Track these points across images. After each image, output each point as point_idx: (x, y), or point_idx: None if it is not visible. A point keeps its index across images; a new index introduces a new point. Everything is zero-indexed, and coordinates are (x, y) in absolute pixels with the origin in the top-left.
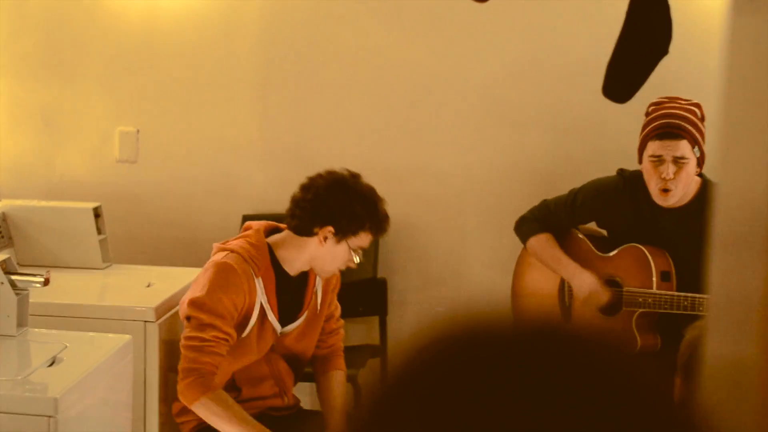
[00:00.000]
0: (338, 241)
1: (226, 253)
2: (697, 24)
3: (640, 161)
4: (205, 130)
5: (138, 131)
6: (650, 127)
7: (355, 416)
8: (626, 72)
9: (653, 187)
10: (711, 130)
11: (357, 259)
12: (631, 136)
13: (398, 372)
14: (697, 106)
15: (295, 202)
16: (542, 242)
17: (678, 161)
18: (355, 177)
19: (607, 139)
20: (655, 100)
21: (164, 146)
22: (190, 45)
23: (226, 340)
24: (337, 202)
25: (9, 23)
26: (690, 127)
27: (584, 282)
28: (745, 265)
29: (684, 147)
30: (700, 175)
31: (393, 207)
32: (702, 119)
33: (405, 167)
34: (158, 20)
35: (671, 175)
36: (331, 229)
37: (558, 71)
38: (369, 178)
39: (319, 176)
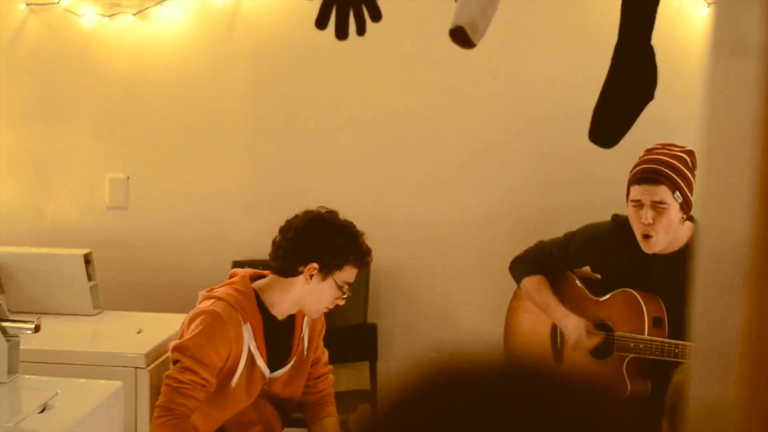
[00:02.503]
0: (324, 277)
1: (213, 300)
2: (683, 68)
3: (628, 212)
4: (195, 177)
5: (128, 178)
6: (633, 172)
7: None
8: (612, 117)
9: (637, 233)
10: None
11: (345, 295)
12: (622, 182)
13: (385, 412)
14: (689, 153)
15: (277, 244)
16: (535, 284)
17: (657, 206)
18: (332, 213)
19: (596, 185)
20: (650, 146)
21: (154, 193)
22: (179, 92)
23: (203, 386)
24: (318, 237)
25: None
26: (670, 173)
27: (573, 327)
28: (727, 307)
29: (662, 192)
30: (691, 219)
31: (382, 252)
32: (691, 166)
33: (394, 212)
34: (148, 68)
35: (650, 220)
36: (315, 265)
37: (547, 116)
38: (358, 223)
39: (296, 216)
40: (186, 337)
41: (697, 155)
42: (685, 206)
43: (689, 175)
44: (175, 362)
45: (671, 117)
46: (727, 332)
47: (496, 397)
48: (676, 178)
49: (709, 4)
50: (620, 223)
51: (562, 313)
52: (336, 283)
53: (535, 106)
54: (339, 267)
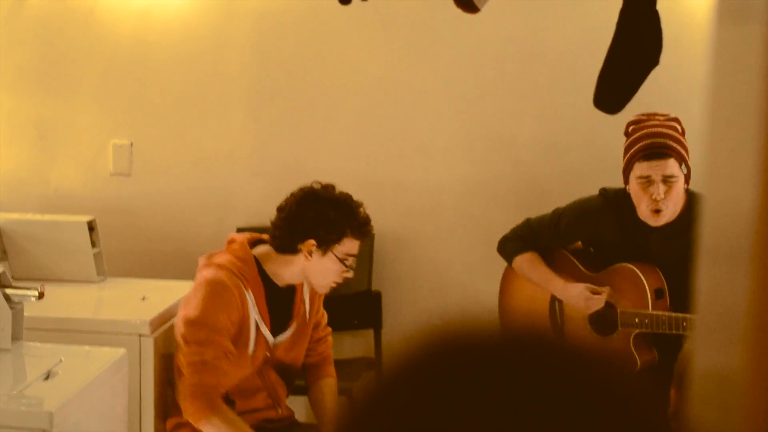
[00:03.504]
0: (324, 252)
1: (214, 268)
2: (687, 35)
3: (626, 182)
4: (199, 144)
5: (132, 144)
6: (636, 147)
7: (342, 420)
8: (617, 83)
9: (644, 209)
10: (696, 143)
11: (351, 268)
12: (618, 152)
13: (387, 379)
14: (677, 120)
15: (273, 224)
16: (528, 260)
17: (667, 180)
18: (326, 187)
19: (597, 154)
20: (632, 119)
21: (158, 159)
22: (183, 59)
23: (226, 355)
24: (311, 213)
25: (3, 37)
26: (675, 145)
27: (576, 293)
28: (732, 277)
29: (672, 166)
30: (686, 190)
31: (386, 221)
32: (683, 134)
33: (397, 181)
34: (151, 34)
35: (662, 195)
36: (312, 242)
37: (549, 83)
38: (360, 192)
39: (291, 195)
40: (192, 309)
41: (701, 125)
42: (688, 177)
43: (686, 144)
44: (183, 337)
45: (675, 83)
46: (731, 301)
47: (500, 364)
48: (681, 151)
49: None
50: (610, 197)
51: (562, 284)
52: (337, 256)
53: (538, 73)
54: (337, 240)
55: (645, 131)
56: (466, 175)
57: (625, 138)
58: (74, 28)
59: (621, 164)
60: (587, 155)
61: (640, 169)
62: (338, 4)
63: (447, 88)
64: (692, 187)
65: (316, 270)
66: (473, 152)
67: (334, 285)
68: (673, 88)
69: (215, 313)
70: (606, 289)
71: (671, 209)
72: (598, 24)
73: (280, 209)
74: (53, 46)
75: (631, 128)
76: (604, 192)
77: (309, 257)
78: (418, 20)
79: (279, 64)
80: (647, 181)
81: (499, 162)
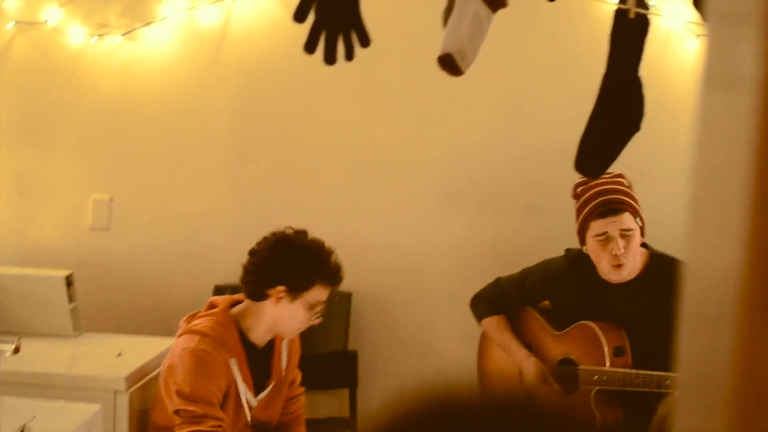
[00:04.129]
0: (293, 299)
1: (198, 337)
2: (669, 101)
3: (582, 242)
4: (178, 200)
5: (111, 199)
6: (589, 207)
7: None
8: (598, 148)
9: (605, 265)
10: (678, 206)
11: (319, 315)
12: None
13: None
14: (622, 176)
15: (245, 268)
16: (494, 325)
17: (625, 234)
18: (299, 233)
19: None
20: (579, 180)
21: (137, 215)
22: (164, 115)
23: (222, 426)
24: (282, 260)
25: None
26: (627, 199)
27: (532, 371)
28: (714, 342)
29: (628, 219)
30: (644, 246)
31: (364, 279)
32: (630, 187)
33: (377, 240)
34: (134, 89)
35: (622, 249)
36: (282, 288)
37: (530, 146)
38: (340, 252)
39: (264, 239)
40: (183, 382)
41: (684, 189)
42: (643, 231)
43: (636, 197)
44: (177, 412)
45: (657, 148)
46: (713, 365)
47: (476, 428)
48: (634, 204)
49: (697, 36)
50: (573, 257)
51: (523, 355)
52: (307, 303)
53: (520, 136)
54: (307, 287)
55: (595, 190)
56: (446, 237)
57: (574, 200)
58: (57, 81)
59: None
60: (566, 218)
61: (596, 227)
62: (321, 64)
63: (428, 149)
64: (672, 251)
65: (284, 316)
66: (453, 214)
67: (300, 331)
68: (654, 152)
69: (206, 385)
70: (555, 389)
71: (631, 262)
72: (580, 88)
73: (252, 253)
74: (34, 99)
75: (579, 189)
76: (568, 252)
77: (278, 303)
78: (401, 82)
79: (261, 122)
80: (605, 238)
81: (478, 225)
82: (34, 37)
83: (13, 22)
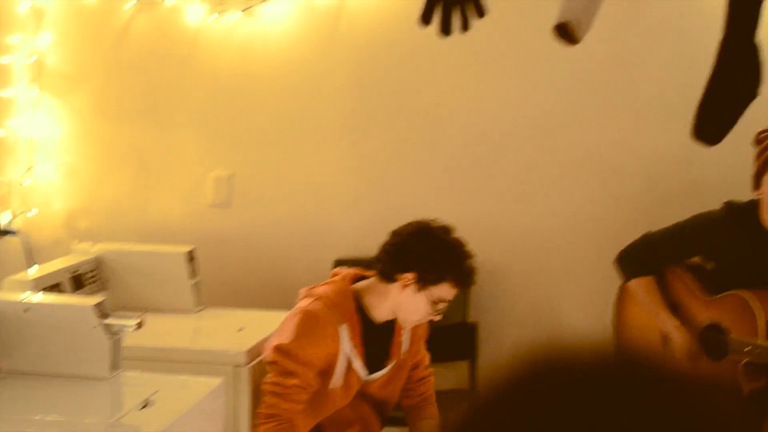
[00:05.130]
0: (419, 289)
1: (312, 300)
2: None
3: (757, 186)
4: (298, 175)
5: (232, 176)
6: (763, 158)
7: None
8: (716, 115)
9: None
10: None
11: (439, 313)
12: (729, 175)
13: (489, 393)
14: None
15: (382, 247)
16: (643, 287)
17: None
18: (444, 228)
19: (697, 179)
20: (763, 129)
21: (257, 190)
22: (283, 90)
23: (306, 389)
24: (420, 249)
25: (106, 68)
26: None
27: (678, 343)
28: None
29: None
30: None
31: (484, 253)
32: None
33: (496, 214)
34: (252, 66)
35: None
36: (410, 276)
37: (648, 114)
38: (459, 224)
39: (409, 224)
40: (284, 338)
41: None
42: None
43: None
44: (271, 363)
45: None
46: None
47: (601, 390)
48: None
49: None
50: (735, 209)
51: (674, 325)
52: (430, 297)
53: (636, 103)
54: (435, 282)
55: None
56: (565, 207)
57: (756, 146)
58: (175, 60)
59: (723, 186)
60: (689, 186)
61: None
62: (438, 38)
63: (547, 120)
64: None
65: (406, 304)
66: (572, 185)
67: (418, 323)
68: None
69: (305, 345)
70: (701, 363)
71: None
72: (695, 55)
73: (394, 234)
74: (155, 78)
75: (762, 135)
76: (729, 205)
77: (404, 289)
78: (518, 52)
79: (379, 96)
80: None
81: (598, 195)
82: (153, 16)
83: (133, 1)
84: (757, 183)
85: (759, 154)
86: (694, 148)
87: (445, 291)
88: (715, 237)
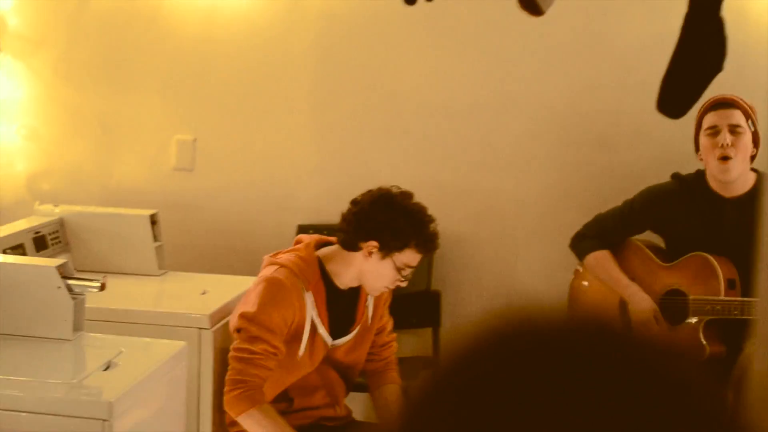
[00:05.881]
0: (383, 257)
1: (276, 267)
2: (751, 41)
3: (697, 148)
4: (262, 140)
5: (195, 140)
6: (703, 106)
7: (404, 409)
8: (681, 88)
9: (712, 162)
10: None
11: (405, 279)
12: (683, 145)
13: (452, 360)
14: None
15: (344, 216)
16: (600, 260)
17: (734, 130)
18: (404, 194)
19: (658, 150)
20: None
21: (221, 155)
22: (247, 56)
23: (275, 354)
24: (382, 217)
25: (68, 31)
26: (742, 103)
27: (641, 307)
28: None
29: (738, 116)
30: (754, 169)
31: (447, 222)
32: (754, 113)
33: (458, 183)
34: (216, 30)
35: (728, 142)
36: (375, 243)
37: (610, 86)
38: (422, 193)
39: (369, 192)
40: (250, 305)
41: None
42: (756, 139)
43: (755, 116)
44: (238, 330)
45: (739, 88)
46: None
47: (565, 352)
48: (747, 108)
49: None
50: (682, 179)
51: (635, 289)
52: (395, 264)
53: (601, 77)
54: (399, 249)
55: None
56: (526, 178)
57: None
58: (139, 24)
59: (681, 160)
60: (648, 154)
61: (707, 121)
62: (403, 5)
63: (509, 93)
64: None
65: (371, 272)
66: (533, 155)
67: (385, 290)
68: (736, 92)
69: (270, 311)
70: (663, 327)
71: (740, 162)
72: (662, 29)
73: (354, 202)
74: (118, 42)
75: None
76: (676, 175)
77: (368, 257)
78: (482, 23)
79: (343, 63)
80: (714, 131)
81: (559, 165)
82: None
83: None
84: (696, 145)
85: (697, 117)
86: (657, 121)
87: (410, 257)
88: (666, 209)
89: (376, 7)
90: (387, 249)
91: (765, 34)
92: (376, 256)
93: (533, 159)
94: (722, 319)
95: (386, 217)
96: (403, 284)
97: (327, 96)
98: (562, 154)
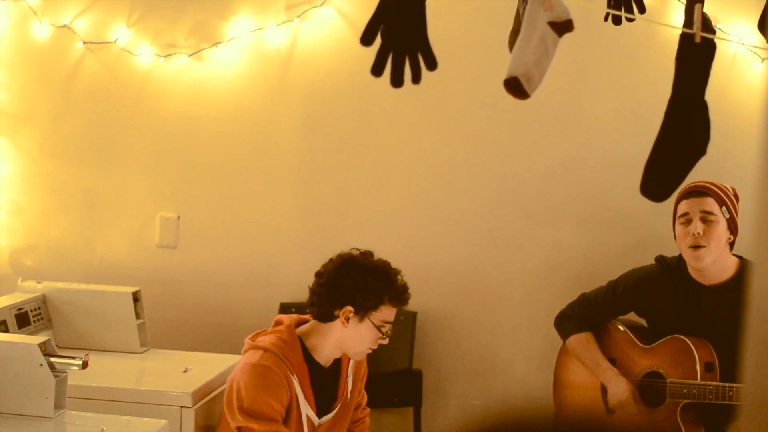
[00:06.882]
0: (360, 319)
1: (260, 353)
2: (734, 125)
3: (675, 235)
4: (245, 217)
5: (179, 217)
6: (679, 193)
7: None
8: (664, 171)
9: (685, 250)
10: (745, 231)
11: (387, 336)
12: (667, 227)
13: None
14: (732, 187)
15: (312, 290)
16: (582, 342)
17: (706, 218)
18: (365, 254)
19: (644, 232)
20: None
21: (204, 232)
22: (231, 133)
23: None
24: (349, 281)
25: (54, 107)
26: (716, 189)
27: (619, 390)
28: None
29: (710, 203)
30: (738, 256)
31: (430, 299)
32: (735, 196)
33: (442, 261)
34: (201, 109)
35: (700, 231)
36: (350, 308)
37: (595, 168)
38: (405, 271)
39: (330, 261)
40: (245, 397)
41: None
42: (732, 226)
43: (734, 200)
44: (239, 429)
45: (723, 172)
46: None
47: None
48: (722, 195)
49: (762, 59)
50: (665, 263)
51: (611, 375)
52: (374, 323)
53: (586, 158)
54: (374, 307)
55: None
56: (513, 259)
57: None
58: (125, 101)
59: (666, 241)
60: (633, 236)
61: (680, 208)
62: (386, 86)
63: (493, 170)
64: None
65: (352, 337)
66: (520, 238)
67: (369, 351)
68: (720, 176)
69: (266, 399)
70: (642, 409)
71: (712, 249)
72: (646, 111)
73: (318, 275)
74: (103, 118)
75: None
76: (660, 259)
77: (346, 324)
78: (468, 104)
79: (327, 142)
80: (686, 220)
81: (544, 245)
82: (103, 57)
83: (82, 42)
84: (674, 231)
85: (674, 204)
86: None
87: (386, 313)
88: (649, 293)
89: (362, 85)
90: (362, 311)
91: (747, 117)
92: (353, 321)
93: (517, 238)
94: (702, 402)
95: (354, 280)
96: (385, 342)
97: (310, 174)
98: (546, 233)
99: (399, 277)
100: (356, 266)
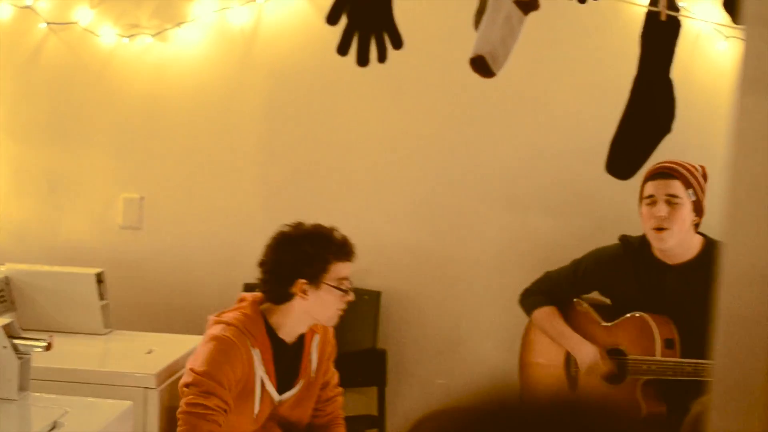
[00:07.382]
0: (317, 286)
1: (223, 325)
2: (700, 103)
3: (641, 214)
4: (209, 199)
5: (142, 198)
6: (646, 174)
7: None
8: (629, 150)
9: (649, 231)
10: (713, 209)
11: (349, 291)
12: (631, 205)
13: None
14: (701, 167)
15: (261, 280)
16: (546, 315)
17: (671, 200)
18: (295, 226)
19: (607, 213)
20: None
21: (168, 214)
22: (194, 114)
23: (225, 411)
24: (289, 256)
25: (16, 88)
26: (683, 171)
27: (587, 354)
28: (752, 338)
29: (676, 186)
30: (703, 235)
31: (394, 280)
32: (703, 176)
33: (403, 240)
34: (165, 89)
35: (664, 213)
36: (302, 281)
37: (561, 147)
38: (369, 251)
39: (266, 246)
40: (200, 362)
41: (722, 189)
42: (698, 208)
43: (701, 181)
44: (187, 386)
45: (688, 150)
46: (751, 366)
47: (518, 429)
48: (689, 177)
49: (727, 37)
50: (628, 243)
51: (576, 341)
52: (331, 285)
53: (550, 137)
54: (324, 270)
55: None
56: (475, 238)
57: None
58: (88, 81)
59: (630, 222)
60: (597, 216)
61: (646, 189)
62: (350, 65)
63: (457, 149)
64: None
65: (316, 305)
66: (482, 213)
67: (341, 313)
68: (685, 154)
69: (220, 368)
70: (614, 361)
71: (675, 232)
72: (611, 89)
73: (261, 264)
74: (66, 99)
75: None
76: (623, 238)
77: (305, 296)
78: (433, 83)
79: (290, 121)
80: (651, 201)
81: (509, 226)
82: (66, 38)
83: (45, 23)
84: (639, 212)
85: (641, 185)
86: (608, 186)
87: (338, 270)
88: (612, 272)
89: (327, 65)
90: (314, 278)
91: (711, 95)
92: (311, 291)
93: (482, 218)
94: (665, 379)
95: (293, 254)
96: (351, 297)
97: (275, 155)
98: (511, 214)
99: (335, 233)
100: (290, 240)
